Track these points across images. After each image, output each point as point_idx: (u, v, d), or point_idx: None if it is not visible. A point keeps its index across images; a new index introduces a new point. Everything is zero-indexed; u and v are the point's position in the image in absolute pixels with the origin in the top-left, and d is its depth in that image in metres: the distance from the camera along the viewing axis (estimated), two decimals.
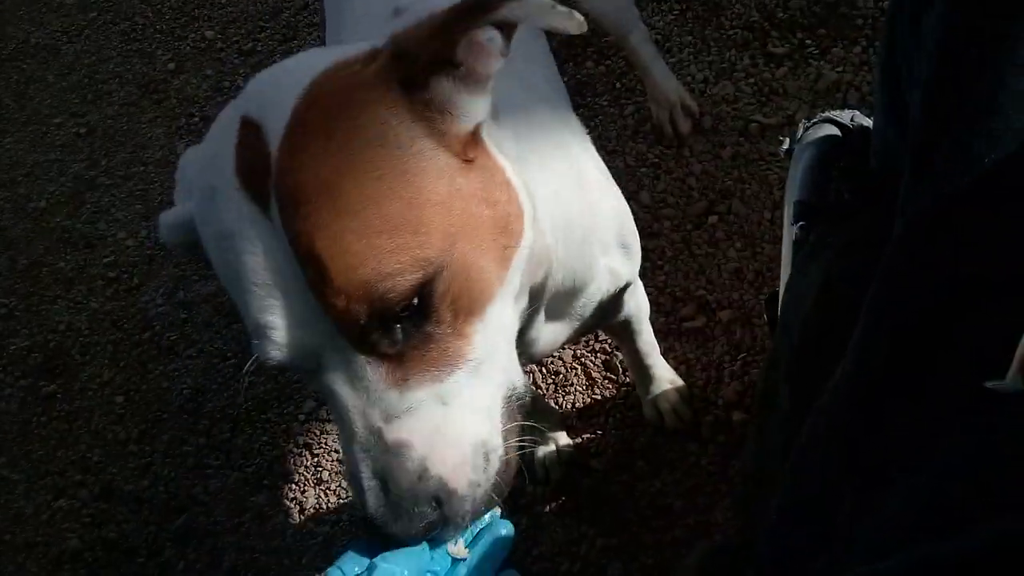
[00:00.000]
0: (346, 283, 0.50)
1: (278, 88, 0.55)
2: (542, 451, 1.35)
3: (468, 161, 0.56)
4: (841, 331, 0.49)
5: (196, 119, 2.12)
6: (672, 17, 1.68)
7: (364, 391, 0.54)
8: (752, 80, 1.56)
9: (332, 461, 1.51)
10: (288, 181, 0.51)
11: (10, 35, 2.64)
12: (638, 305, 1.12)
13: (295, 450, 1.54)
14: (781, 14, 1.59)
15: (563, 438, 1.37)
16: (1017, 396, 0.38)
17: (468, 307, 0.55)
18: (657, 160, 1.56)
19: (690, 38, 1.65)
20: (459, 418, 0.55)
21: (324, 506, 1.48)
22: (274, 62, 1.95)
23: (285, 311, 0.52)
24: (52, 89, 2.39)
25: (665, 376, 1.32)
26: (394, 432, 0.53)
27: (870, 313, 0.47)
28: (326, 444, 1.53)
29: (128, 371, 1.75)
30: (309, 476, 1.51)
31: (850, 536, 0.46)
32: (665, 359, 1.38)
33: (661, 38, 1.66)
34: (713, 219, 1.47)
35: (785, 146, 0.88)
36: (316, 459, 1.52)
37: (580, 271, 0.80)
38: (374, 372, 0.53)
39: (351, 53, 0.56)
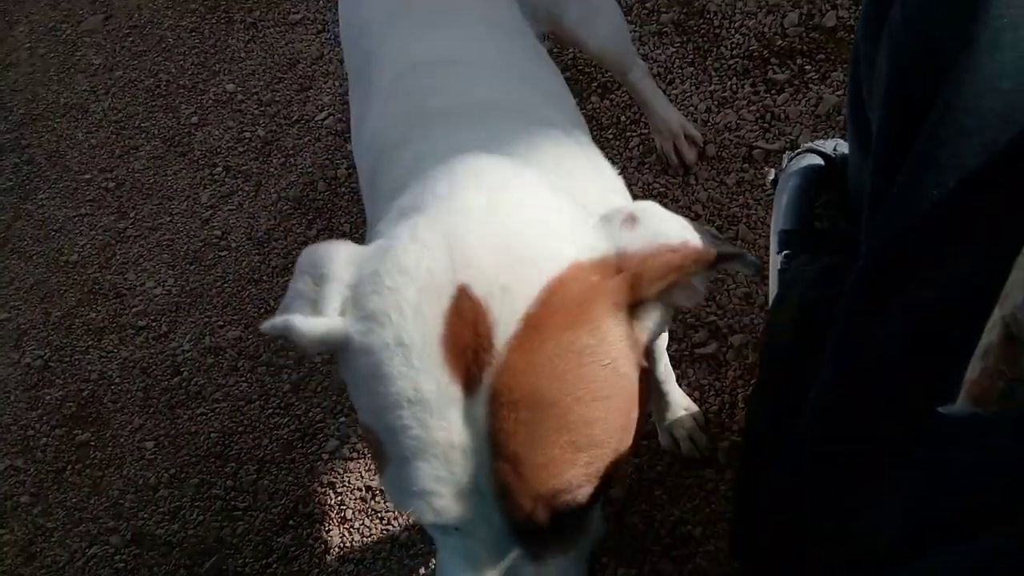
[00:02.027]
0: (538, 489, 0.51)
1: (512, 272, 0.53)
2: None
3: (644, 370, 0.58)
4: (815, 359, 0.51)
5: (219, 169, 2.19)
6: (673, 50, 1.71)
7: (502, 563, 0.56)
8: (754, 107, 1.58)
9: (355, 499, 1.53)
10: (510, 381, 0.51)
11: (41, 96, 2.76)
12: (660, 347, 1.16)
13: (319, 489, 1.56)
14: (780, 41, 1.62)
15: None
16: (970, 420, 0.39)
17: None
18: (664, 189, 1.58)
19: (691, 69, 1.68)
20: None
21: (349, 544, 1.50)
22: (292, 111, 2.00)
23: (455, 486, 0.53)
24: (82, 146, 2.49)
25: (680, 403, 1.33)
26: None
27: (834, 344, 0.49)
28: (349, 483, 1.55)
29: (157, 417, 1.79)
30: (333, 515, 1.53)
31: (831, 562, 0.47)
32: (679, 384, 1.39)
33: (663, 71, 1.69)
34: None
35: (771, 176, 0.90)
36: (340, 497, 1.54)
37: None
38: (518, 549, 0.56)
39: (585, 254, 0.55)
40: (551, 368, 0.51)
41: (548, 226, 0.56)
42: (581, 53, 1.76)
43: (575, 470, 0.52)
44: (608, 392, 0.53)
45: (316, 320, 0.57)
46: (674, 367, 1.42)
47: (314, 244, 0.64)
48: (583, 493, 0.53)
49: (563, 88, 1.10)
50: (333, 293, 0.58)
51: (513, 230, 0.55)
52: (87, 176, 2.39)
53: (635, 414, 0.56)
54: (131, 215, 2.22)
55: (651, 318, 0.57)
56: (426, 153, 0.74)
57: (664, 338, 1.18)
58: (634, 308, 0.55)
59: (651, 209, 0.58)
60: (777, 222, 0.81)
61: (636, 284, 0.54)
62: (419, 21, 1.03)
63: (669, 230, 0.56)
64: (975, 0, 0.44)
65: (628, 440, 0.56)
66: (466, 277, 0.52)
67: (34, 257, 2.29)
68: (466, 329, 0.51)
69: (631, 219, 0.56)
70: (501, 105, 0.87)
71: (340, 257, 0.60)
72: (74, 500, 1.77)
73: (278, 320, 0.58)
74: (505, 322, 0.51)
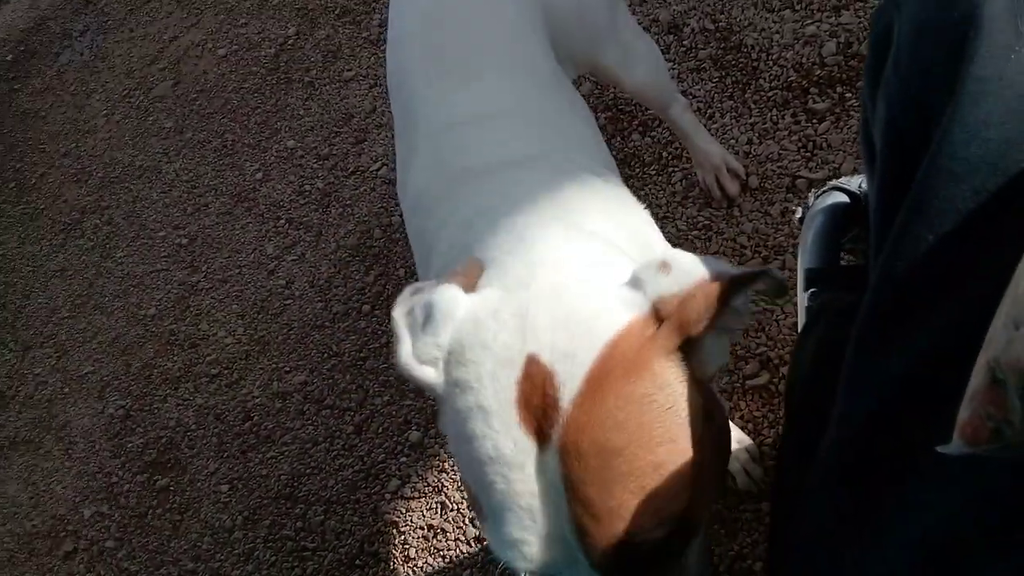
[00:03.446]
0: (612, 532, 0.55)
1: (573, 340, 0.59)
2: None
3: (714, 408, 0.62)
4: (834, 394, 0.53)
5: (282, 221, 2.30)
6: (712, 84, 1.74)
7: None
8: (795, 137, 1.59)
9: (418, 538, 1.57)
10: (578, 436, 0.56)
11: (118, 160, 2.95)
12: None
13: (383, 528, 1.61)
14: (819, 71, 1.63)
15: None
16: (969, 458, 0.41)
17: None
18: (708, 222, 1.60)
19: (731, 102, 1.70)
20: None
21: None
22: (348, 163, 2.09)
23: (541, 533, 0.58)
24: (157, 205, 2.65)
25: (732, 436, 1.33)
26: None
27: (845, 379, 0.51)
28: (411, 521, 1.59)
29: (231, 461, 1.88)
30: (397, 554, 1.57)
31: None
32: (731, 419, 1.39)
33: (703, 105, 1.72)
34: None
35: (799, 214, 0.92)
36: (403, 536, 1.59)
37: None
38: None
39: (632, 313, 0.60)
40: (613, 418, 0.56)
41: (600, 295, 0.62)
42: (621, 92, 1.80)
43: (646, 512, 0.55)
44: (673, 435, 0.57)
45: (426, 370, 0.65)
46: (726, 399, 1.42)
47: (418, 286, 0.69)
48: (657, 533, 0.55)
49: (595, 133, 1.14)
50: (434, 351, 0.65)
51: (573, 304, 0.61)
52: (162, 233, 2.54)
53: (708, 453, 0.58)
54: (203, 268, 2.35)
55: (707, 351, 0.60)
56: (481, 208, 0.83)
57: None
58: (686, 348, 0.59)
59: (678, 256, 0.62)
60: (803, 260, 0.82)
61: (682, 326, 0.58)
62: (453, 73, 1.06)
63: (696, 269, 0.60)
64: (960, 53, 0.47)
65: (704, 480, 0.58)
66: (535, 347, 0.59)
67: (115, 312, 2.44)
68: (536, 392, 0.58)
69: (664, 267, 0.60)
70: (536, 159, 0.92)
71: (443, 309, 0.65)
72: (155, 543, 1.86)
73: (403, 359, 0.65)
74: (570, 383, 0.57)
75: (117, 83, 3.26)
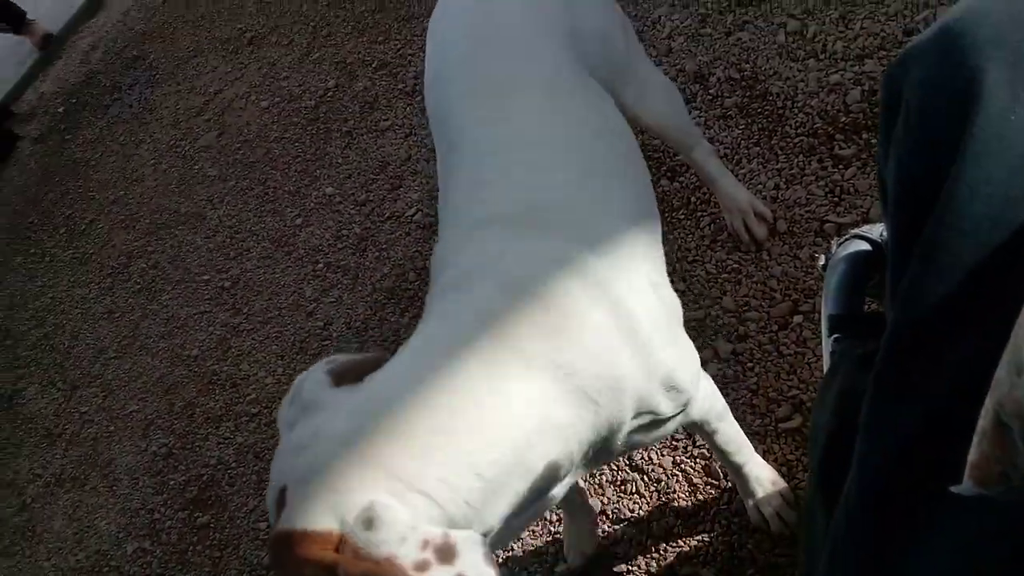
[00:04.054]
0: None
1: (299, 503, 0.73)
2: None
3: None
4: (855, 439, 0.56)
5: (320, 265, 2.38)
6: (739, 131, 1.78)
7: None
8: (822, 182, 1.63)
9: None
10: None
11: (165, 207, 3.08)
12: (703, 409, 1.13)
13: None
14: (844, 118, 1.67)
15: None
16: (980, 499, 0.43)
17: None
18: (737, 266, 1.63)
19: (757, 148, 1.74)
20: None
21: None
22: (384, 208, 2.18)
23: None
24: (201, 250, 2.75)
25: (764, 477, 1.34)
26: None
27: (864, 422, 0.53)
28: None
29: None
30: None
31: None
32: (765, 460, 1.40)
33: (729, 151, 1.77)
34: (798, 319, 1.52)
35: (821, 261, 0.94)
36: None
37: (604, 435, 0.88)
38: None
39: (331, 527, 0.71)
40: None
41: (333, 496, 0.74)
42: (650, 137, 1.85)
43: None
44: None
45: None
46: (758, 443, 1.43)
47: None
48: None
49: (634, 175, 1.14)
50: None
51: (327, 477, 0.77)
52: (206, 277, 2.63)
53: None
54: (244, 311, 2.42)
55: None
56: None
57: (715, 409, 1.16)
58: None
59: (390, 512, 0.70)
60: (826, 306, 0.85)
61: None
62: (496, 122, 1.07)
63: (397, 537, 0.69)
64: (964, 115, 0.50)
65: None
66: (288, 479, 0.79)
67: (159, 353, 2.52)
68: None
69: (369, 522, 0.69)
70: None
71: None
72: None
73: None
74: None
75: (164, 133, 3.41)
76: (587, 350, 0.83)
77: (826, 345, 0.84)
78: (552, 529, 1.54)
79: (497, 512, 0.78)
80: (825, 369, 0.85)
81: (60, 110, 4.32)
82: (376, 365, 0.87)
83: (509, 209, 0.97)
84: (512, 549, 1.56)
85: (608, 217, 1.00)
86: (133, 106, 3.75)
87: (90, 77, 4.26)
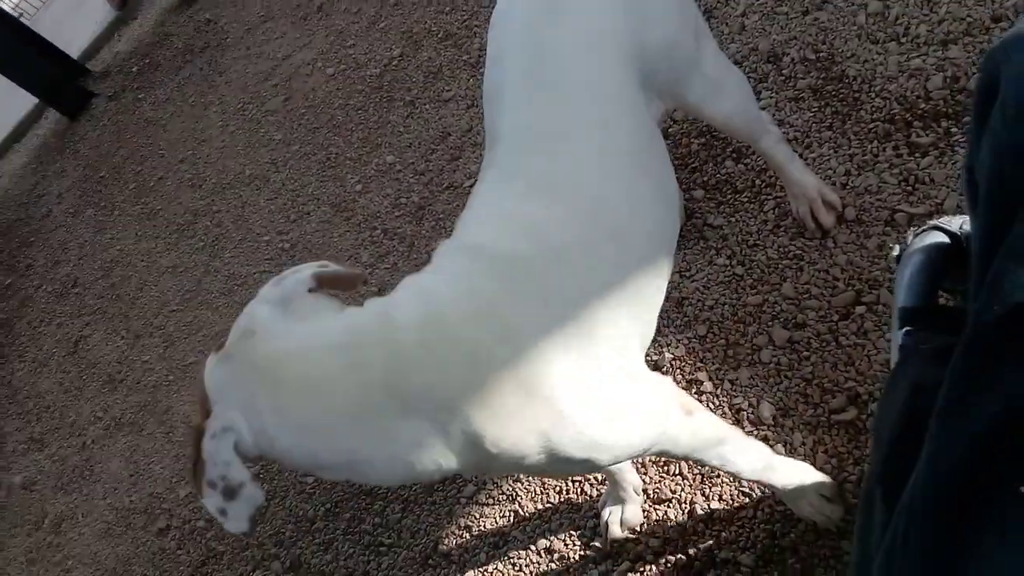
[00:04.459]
0: None
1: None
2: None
3: None
4: (923, 434, 0.53)
5: (378, 232, 2.40)
6: (810, 115, 1.73)
7: None
8: (896, 170, 1.57)
9: (489, 544, 1.61)
10: None
11: (231, 168, 3.15)
12: (690, 447, 1.13)
13: (456, 531, 1.65)
14: (923, 105, 1.60)
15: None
16: None
17: None
18: (800, 252, 1.59)
19: (829, 133, 1.69)
20: None
21: None
22: (443, 178, 2.18)
23: None
24: (263, 211, 2.81)
25: (804, 479, 1.29)
26: None
27: (937, 418, 0.51)
28: (484, 527, 1.63)
29: None
30: (468, 558, 1.61)
31: None
32: (815, 451, 1.37)
33: (800, 135, 1.72)
34: (861, 309, 1.47)
35: (895, 252, 0.91)
36: (475, 541, 1.63)
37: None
38: None
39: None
40: None
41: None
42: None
43: None
44: None
45: None
46: (809, 433, 1.40)
47: None
48: None
49: (662, 203, 1.15)
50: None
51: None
52: (266, 238, 2.69)
53: None
54: None
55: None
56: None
57: (702, 444, 1.15)
58: None
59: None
60: (899, 298, 0.82)
61: None
62: (539, 135, 1.09)
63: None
64: None
65: None
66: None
67: (220, 308, 2.59)
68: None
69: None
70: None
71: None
72: None
73: None
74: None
75: (232, 96, 3.48)
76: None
77: (896, 338, 0.81)
78: (589, 500, 1.54)
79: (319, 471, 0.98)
80: (892, 362, 0.82)
81: (134, 69, 4.45)
82: (353, 284, 1.09)
83: (510, 245, 1.01)
84: (550, 520, 1.57)
85: (608, 274, 1.04)
86: (204, 69, 3.83)
87: (164, 39, 4.37)
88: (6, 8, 4.94)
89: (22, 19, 5.37)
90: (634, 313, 1.07)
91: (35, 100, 5.01)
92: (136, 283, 3.09)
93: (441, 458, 0.95)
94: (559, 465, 0.99)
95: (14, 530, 2.67)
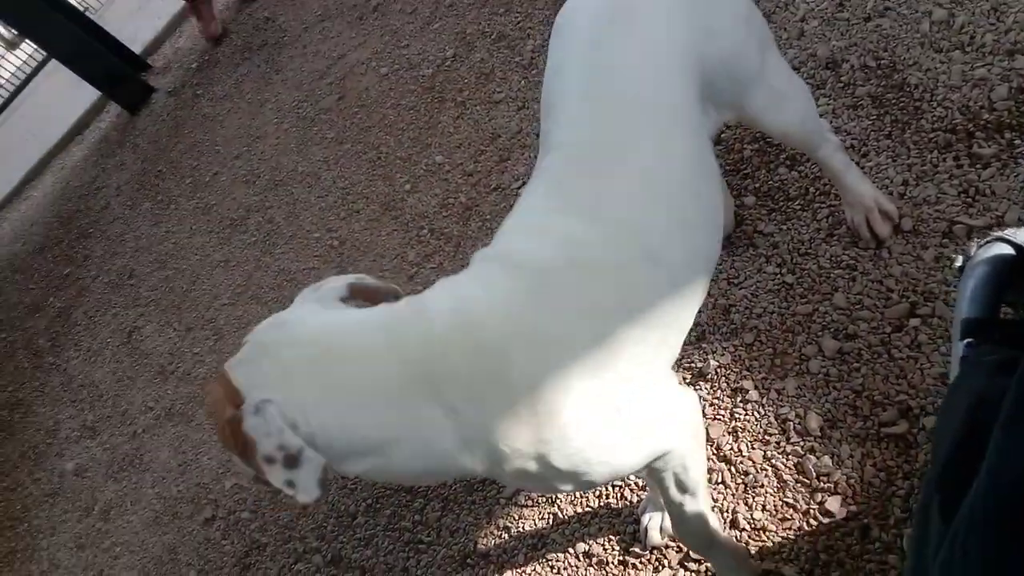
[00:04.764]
0: None
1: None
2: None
3: None
4: (985, 446, 0.52)
5: (425, 231, 2.43)
6: (868, 123, 1.70)
7: None
8: (956, 181, 1.53)
9: (527, 546, 1.61)
10: None
11: (283, 165, 3.21)
12: (677, 472, 1.13)
13: (495, 532, 1.66)
14: (987, 115, 1.56)
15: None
16: None
17: None
18: (853, 262, 1.56)
19: (888, 141, 1.65)
20: None
21: None
22: (491, 180, 2.19)
23: None
24: (313, 209, 2.86)
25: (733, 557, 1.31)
26: None
27: (1001, 430, 0.50)
28: (523, 529, 1.63)
29: None
30: (506, 559, 1.62)
31: None
32: (863, 464, 1.35)
33: (857, 143, 1.68)
34: (915, 322, 1.44)
35: (959, 263, 0.89)
36: (513, 543, 1.63)
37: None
38: None
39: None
40: None
41: None
42: None
43: None
44: None
45: None
46: (858, 445, 1.38)
47: None
48: None
49: (706, 222, 1.14)
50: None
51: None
52: (316, 235, 2.73)
53: None
54: (350, 269, 2.51)
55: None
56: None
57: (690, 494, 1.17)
58: None
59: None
60: (961, 309, 0.80)
61: None
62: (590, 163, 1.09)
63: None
64: None
65: None
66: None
67: (269, 303, 2.64)
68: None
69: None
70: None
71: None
72: (286, 519, 2.00)
73: None
74: None
75: (288, 94, 3.55)
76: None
77: (956, 350, 0.79)
78: (629, 505, 1.53)
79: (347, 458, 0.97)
80: (952, 374, 0.80)
81: (194, 66, 4.56)
82: (383, 297, 1.08)
83: (541, 255, 1.03)
84: (589, 524, 1.56)
85: (639, 296, 1.05)
86: (261, 66, 3.92)
87: (223, 35, 4.47)
88: (73, 2, 5.11)
89: (87, 13, 5.54)
90: (661, 336, 1.07)
91: (97, 94, 5.18)
92: (189, 276, 3.17)
93: (460, 452, 0.97)
94: (551, 475, 1.01)
95: (65, 515, 2.76)
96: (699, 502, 1.19)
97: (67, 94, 5.59)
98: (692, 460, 1.13)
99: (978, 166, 1.52)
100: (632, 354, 1.03)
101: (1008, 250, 0.82)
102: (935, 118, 1.62)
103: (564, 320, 1.00)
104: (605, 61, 1.13)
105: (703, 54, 1.16)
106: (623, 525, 1.53)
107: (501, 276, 1.03)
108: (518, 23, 2.74)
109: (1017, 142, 1.50)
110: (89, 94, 5.25)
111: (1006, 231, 0.85)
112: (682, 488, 1.15)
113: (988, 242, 0.85)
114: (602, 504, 1.58)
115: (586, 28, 1.18)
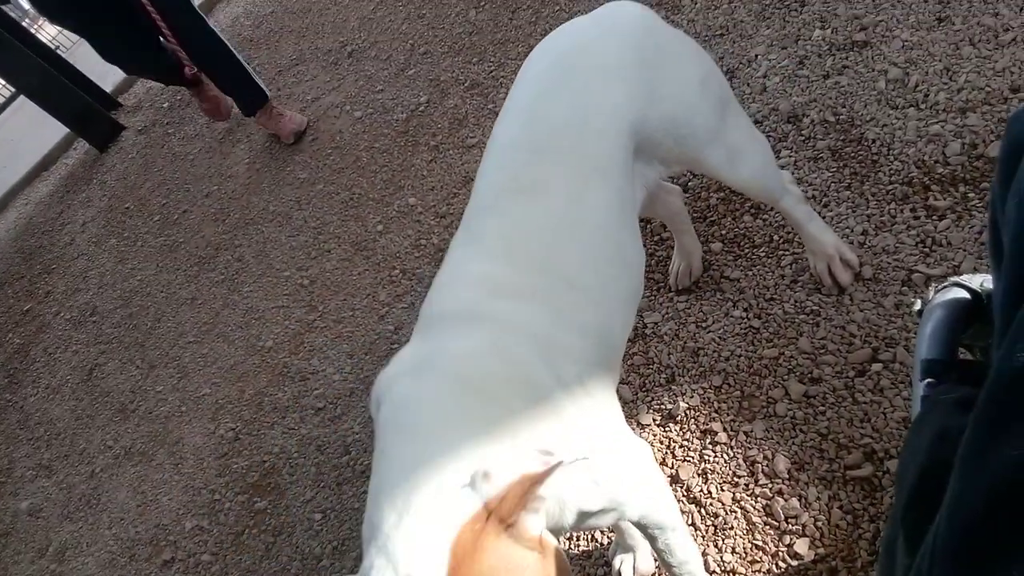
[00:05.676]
0: None
1: (426, 551, 0.78)
2: None
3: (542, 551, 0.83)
4: (946, 481, 0.55)
5: (396, 272, 2.44)
6: (829, 174, 1.76)
7: None
8: (913, 231, 1.59)
9: None
10: None
11: (255, 204, 3.20)
12: (640, 512, 1.14)
13: None
14: (941, 169, 1.63)
15: None
16: None
17: None
18: (817, 308, 1.60)
19: (848, 193, 1.72)
20: None
21: None
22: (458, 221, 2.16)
23: None
24: (284, 248, 2.85)
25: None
26: None
27: (961, 460, 0.53)
28: None
29: (327, 491, 1.97)
30: None
31: None
32: (830, 506, 1.37)
33: (818, 194, 1.75)
34: (877, 367, 1.48)
35: (917, 306, 0.93)
36: None
37: None
38: None
39: (465, 517, 0.80)
40: None
41: (445, 514, 0.81)
42: None
43: None
44: None
45: None
46: (824, 488, 1.40)
47: None
48: None
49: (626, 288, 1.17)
50: None
51: (423, 527, 0.81)
52: (286, 273, 2.72)
53: None
54: (319, 308, 2.50)
55: (532, 520, 0.80)
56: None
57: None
58: (512, 525, 0.79)
59: (497, 467, 0.81)
60: (921, 351, 0.84)
61: (501, 514, 0.79)
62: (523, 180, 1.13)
63: (509, 476, 0.79)
64: None
65: None
66: (407, 571, 0.78)
67: (236, 341, 2.61)
68: None
69: (486, 475, 0.80)
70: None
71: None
72: (248, 562, 1.95)
73: None
74: None
75: (261, 134, 3.56)
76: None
77: (917, 390, 0.83)
78: (600, 547, 1.53)
79: None
80: (913, 415, 0.83)
81: (165, 105, 4.56)
82: None
83: (461, 305, 1.06)
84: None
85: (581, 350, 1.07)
86: (234, 107, 3.93)
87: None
88: (44, 40, 5.09)
89: (59, 51, 5.53)
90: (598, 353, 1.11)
91: (66, 130, 5.14)
92: (154, 313, 3.12)
93: None
94: None
95: (17, 557, 2.66)
96: (680, 530, 1.21)
97: (35, 130, 5.54)
98: (662, 504, 1.15)
99: (934, 217, 1.59)
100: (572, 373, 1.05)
101: (964, 294, 0.87)
102: (892, 171, 1.69)
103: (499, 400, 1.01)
104: (541, 112, 1.18)
105: (644, 116, 1.20)
106: (594, 568, 1.53)
107: (428, 343, 1.06)
108: (491, 72, 2.81)
109: (971, 195, 1.57)
110: (57, 130, 5.21)
111: (961, 277, 0.89)
112: (660, 527, 1.17)
113: (944, 287, 0.89)
114: (571, 546, 1.57)
115: (534, 80, 1.23)
